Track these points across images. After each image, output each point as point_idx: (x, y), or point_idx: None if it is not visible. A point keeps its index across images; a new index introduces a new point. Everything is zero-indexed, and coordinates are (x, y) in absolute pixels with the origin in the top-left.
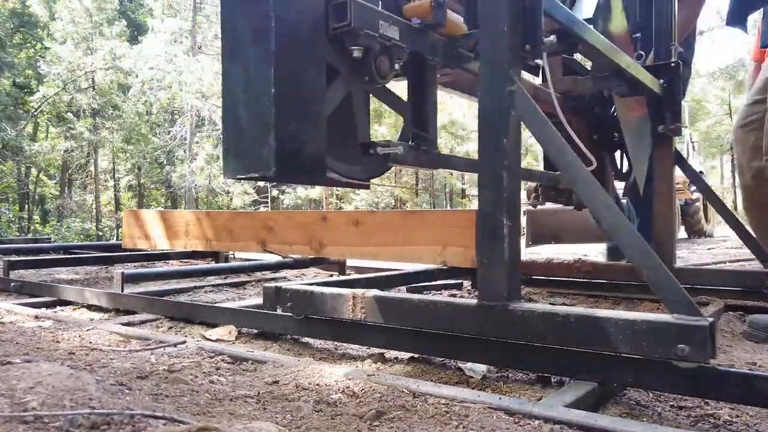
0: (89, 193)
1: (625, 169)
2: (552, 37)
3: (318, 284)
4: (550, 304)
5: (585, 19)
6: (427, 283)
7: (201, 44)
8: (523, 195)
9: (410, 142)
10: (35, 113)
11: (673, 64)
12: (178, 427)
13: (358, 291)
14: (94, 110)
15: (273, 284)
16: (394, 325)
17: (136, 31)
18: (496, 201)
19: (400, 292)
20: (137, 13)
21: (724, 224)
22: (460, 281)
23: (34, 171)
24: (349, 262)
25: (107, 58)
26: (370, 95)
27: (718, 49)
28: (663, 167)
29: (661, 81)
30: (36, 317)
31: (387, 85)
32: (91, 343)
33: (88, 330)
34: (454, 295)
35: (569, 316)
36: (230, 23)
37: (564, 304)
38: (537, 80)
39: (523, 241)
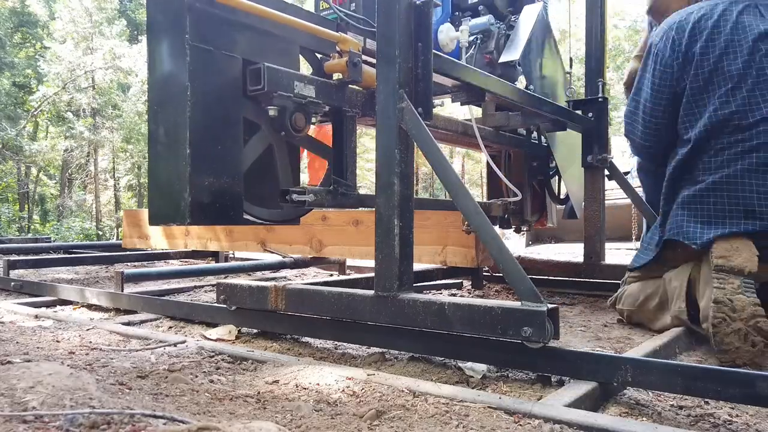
0: (89, 192)
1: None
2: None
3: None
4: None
5: (512, 62)
6: (426, 283)
7: None
8: None
9: (330, 187)
10: (35, 113)
11: (600, 100)
12: (178, 426)
13: (279, 284)
14: (94, 110)
15: (225, 281)
16: (309, 314)
17: (136, 31)
18: (389, 204)
19: (317, 285)
20: (137, 13)
21: None
22: (460, 281)
23: (33, 171)
24: (349, 262)
25: (107, 58)
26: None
27: None
28: (593, 191)
29: (590, 115)
30: (36, 317)
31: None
32: (91, 342)
33: (88, 329)
34: (454, 295)
35: (444, 305)
36: (154, 88)
37: (564, 303)
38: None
39: (523, 240)
